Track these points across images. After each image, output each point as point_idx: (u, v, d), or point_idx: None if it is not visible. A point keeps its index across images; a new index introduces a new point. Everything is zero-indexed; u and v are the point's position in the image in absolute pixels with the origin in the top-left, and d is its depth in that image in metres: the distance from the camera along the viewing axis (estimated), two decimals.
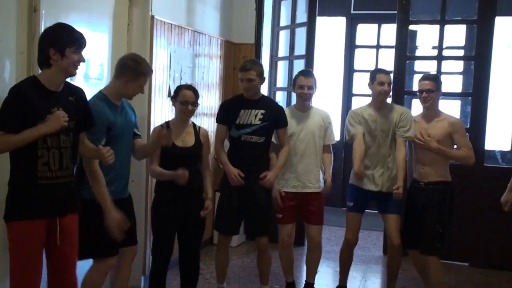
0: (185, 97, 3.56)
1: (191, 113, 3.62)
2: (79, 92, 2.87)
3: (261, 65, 3.90)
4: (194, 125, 3.72)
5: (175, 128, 3.54)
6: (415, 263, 4.18)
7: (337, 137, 4.77)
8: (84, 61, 2.76)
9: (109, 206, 3.02)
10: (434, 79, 3.99)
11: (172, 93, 3.82)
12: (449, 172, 4.00)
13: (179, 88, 3.63)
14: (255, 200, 3.85)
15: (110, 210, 3.02)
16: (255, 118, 3.82)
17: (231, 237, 4.08)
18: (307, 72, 4.19)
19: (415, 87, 6.44)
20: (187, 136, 3.63)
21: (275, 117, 3.89)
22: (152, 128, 4.16)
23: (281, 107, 4.09)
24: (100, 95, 3.19)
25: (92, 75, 3.75)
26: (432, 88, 3.93)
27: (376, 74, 4.12)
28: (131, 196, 3.43)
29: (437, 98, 3.99)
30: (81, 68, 3.52)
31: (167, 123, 3.58)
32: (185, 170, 3.47)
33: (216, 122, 3.98)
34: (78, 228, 2.89)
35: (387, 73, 4.14)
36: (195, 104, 3.59)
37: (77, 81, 3.52)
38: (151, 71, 3.28)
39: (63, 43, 2.64)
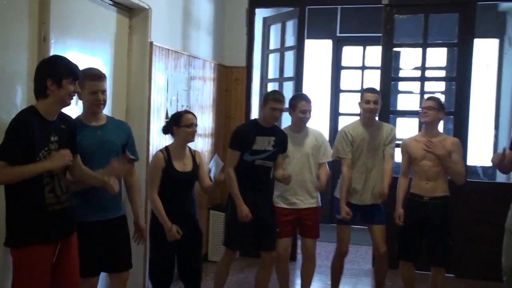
0: (189, 120, 3.72)
1: (195, 134, 3.78)
2: (69, 120, 2.98)
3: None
4: (189, 148, 3.87)
5: (175, 154, 3.74)
6: (406, 276, 4.33)
7: None
8: (79, 91, 2.88)
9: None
10: (436, 100, 4.21)
11: (167, 122, 3.97)
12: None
13: (180, 114, 3.79)
14: (265, 217, 4.06)
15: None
16: (268, 145, 4.05)
17: (236, 253, 4.27)
18: (307, 97, 4.37)
19: (399, 107, 6.82)
20: (186, 160, 3.78)
21: (282, 143, 4.15)
22: (151, 149, 4.35)
23: (286, 134, 4.26)
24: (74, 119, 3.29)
25: None
26: (433, 106, 4.13)
27: (364, 92, 4.40)
28: (126, 218, 3.47)
29: (437, 118, 4.17)
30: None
31: (166, 148, 3.76)
32: (179, 229, 3.61)
33: (232, 148, 4.06)
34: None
35: (374, 92, 4.39)
36: (196, 125, 3.78)
37: (80, 105, 3.70)
38: (97, 75, 3.20)
39: (60, 74, 2.74)
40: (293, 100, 4.32)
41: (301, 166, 4.32)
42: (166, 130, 3.86)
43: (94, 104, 3.22)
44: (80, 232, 3.06)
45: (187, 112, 3.86)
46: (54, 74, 2.73)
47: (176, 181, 3.70)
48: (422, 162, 4.15)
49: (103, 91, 3.24)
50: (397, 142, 4.53)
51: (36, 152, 2.70)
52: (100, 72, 3.29)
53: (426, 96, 5.65)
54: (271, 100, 4.00)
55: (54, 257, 2.84)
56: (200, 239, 3.90)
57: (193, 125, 3.73)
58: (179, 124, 3.74)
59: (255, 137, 4.03)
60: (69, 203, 2.92)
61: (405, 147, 4.30)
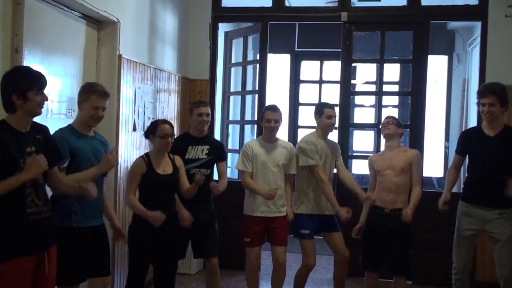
0: (164, 131, 3.78)
1: (171, 144, 3.84)
2: (44, 129, 2.95)
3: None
4: (168, 154, 3.94)
5: (155, 159, 3.81)
6: (371, 285, 4.47)
7: None
8: (47, 99, 2.83)
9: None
10: (393, 117, 4.47)
11: (145, 129, 4.08)
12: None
13: (156, 124, 3.85)
14: (202, 225, 4.18)
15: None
16: (202, 153, 4.21)
17: None
18: (274, 107, 4.49)
19: (356, 120, 7.06)
20: (166, 165, 3.85)
21: (217, 151, 4.32)
22: (120, 161, 4.35)
23: (221, 143, 4.57)
24: (66, 126, 3.38)
25: (63, 111, 3.93)
26: (392, 121, 4.39)
27: (324, 108, 4.52)
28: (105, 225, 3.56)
29: (397, 132, 4.40)
30: (54, 104, 3.75)
31: (146, 154, 3.83)
32: (163, 214, 3.66)
33: None
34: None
35: (332, 107, 4.57)
36: (173, 136, 3.84)
37: (50, 116, 3.70)
38: (104, 92, 3.36)
39: (24, 87, 2.68)
40: (260, 112, 4.50)
41: (273, 174, 4.40)
42: (146, 135, 3.94)
43: (90, 117, 3.37)
44: (73, 237, 3.17)
45: (164, 122, 3.89)
46: (18, 89, 2.68)
47: (158, 183, 3.78)
48: (386, 172, 4.33)
49: None
50: (358, 154, 4.73)
51: (11, 165, 2.66)
52: (100, 88, 3.42)
53: (384, 110, 5.92)
54: (196, 106, 4.23)
55: (46, 267, 2.83)
56: (178, 243, 3.97)
57: (167, 136, 3.78)
58: (155, 133, 3.80)
59: (187, 147, 4.19)
60: (50, 213, 2.89)
61: (371, 163, 4.49)
